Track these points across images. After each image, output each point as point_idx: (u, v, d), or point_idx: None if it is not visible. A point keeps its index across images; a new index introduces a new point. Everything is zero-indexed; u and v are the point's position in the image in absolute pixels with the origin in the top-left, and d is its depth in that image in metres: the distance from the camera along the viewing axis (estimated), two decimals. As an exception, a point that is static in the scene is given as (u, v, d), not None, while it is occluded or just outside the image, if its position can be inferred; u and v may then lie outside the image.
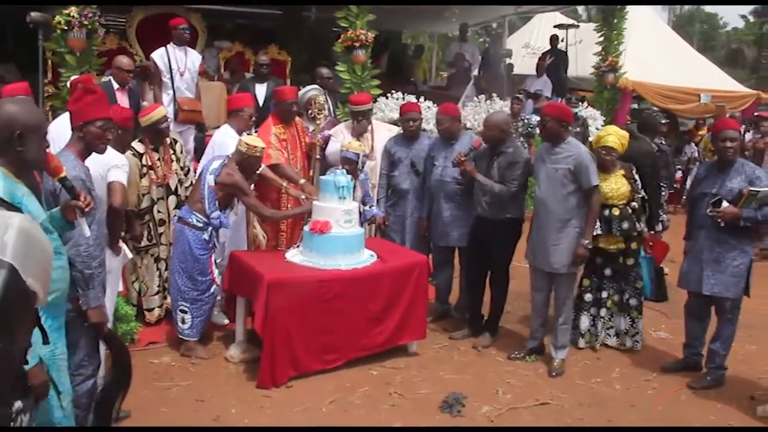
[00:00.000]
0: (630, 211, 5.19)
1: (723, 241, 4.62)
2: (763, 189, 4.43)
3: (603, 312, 5.45)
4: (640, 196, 5.25)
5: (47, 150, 2.78)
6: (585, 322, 5.47)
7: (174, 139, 5.50)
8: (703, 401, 4.64)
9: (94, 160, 3.61)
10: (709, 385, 4.80)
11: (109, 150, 3.78)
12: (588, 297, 5.46)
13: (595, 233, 5.16)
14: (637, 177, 5.26)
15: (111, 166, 4.15)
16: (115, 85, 6.43)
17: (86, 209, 2.93)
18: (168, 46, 7.21)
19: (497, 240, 5.29)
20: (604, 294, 5.45)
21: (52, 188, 3.40)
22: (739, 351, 5.27)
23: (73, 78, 6.27)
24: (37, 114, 2.76)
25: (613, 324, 5.46)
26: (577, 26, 12.30)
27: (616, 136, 5.22)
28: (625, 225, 5.15)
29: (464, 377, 4.86)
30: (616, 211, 5.18)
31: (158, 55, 7.19)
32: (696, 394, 4.74)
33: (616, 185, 5.20)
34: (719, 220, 4.56)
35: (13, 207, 2.28)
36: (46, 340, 2.29)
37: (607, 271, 5.40)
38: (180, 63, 7.25)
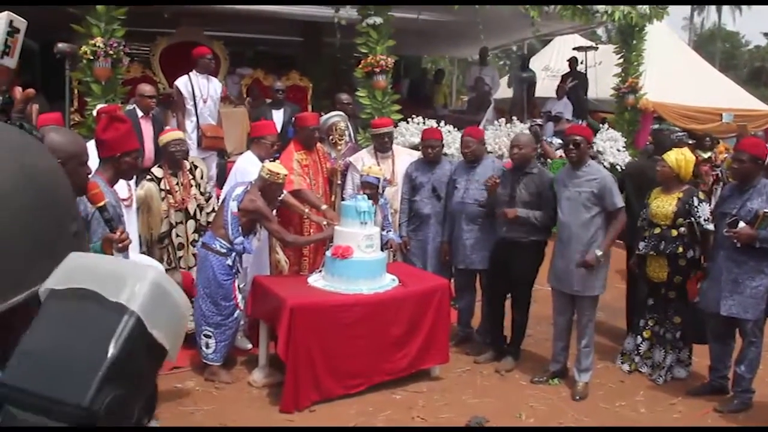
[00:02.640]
0: (673, 233, 5.07)
1: (742, 262, 4.60)
2: None
3: (639, 340, 5.41)
4: (687, 221, 5.04)
5: (89, 177, 2.85)
6: (630, 343, 5.47)
7: (194, 165, 5.58)
8: (730, 425, 4.58)
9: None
10: (737, 408, 4.74)
11: None
12: (635, 321, 5.48)
13: (642, 253, 5.18)
14: (696, 203, 5.05)
15: None
16: (139, 113, 6.55)
17: (121, 245, 2.96)
18: (191, 73, 7.34)
19: (521, 262, 5.28)
20: (642, 323, 5.41)
21: (84, 214, 3.49)
22: (767, 374, 5.21)
23: (99, 107, 6.41)
24: (80, 144, 2.85)
25: (651, 354, 5.39)
26: (596, 48, 12.30)
27: (676, 154, 5.15)
28: (664, 247, 5.06)
29: (487, 401, 4.84)
30: (657, 230, 5.13)
31: (182, 83, 7.31)
32: (723, 417, 4.69)
33: (662, 204, 5.14)
34: (735, 240, 4.53)
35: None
36: None
37: (650, 301, 5.35)
38: (203, 90, 7.38)
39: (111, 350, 1.01)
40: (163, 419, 4.20)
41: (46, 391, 0.93)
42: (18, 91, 1.40)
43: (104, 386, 0.94)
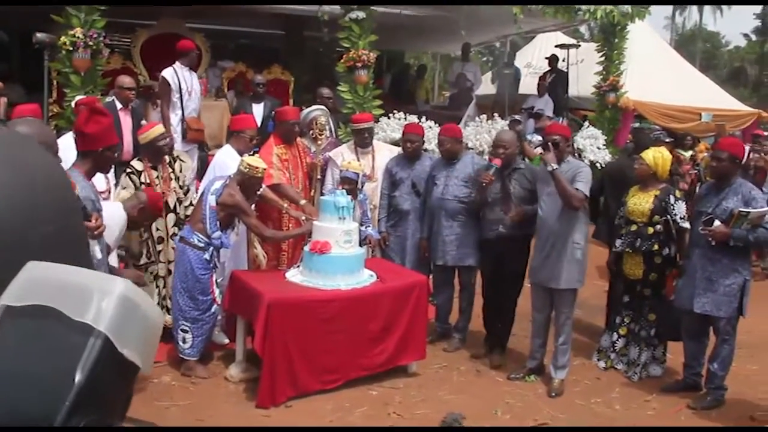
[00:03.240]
0: (649, 231, 5.13)
1: (716, 260, 4.65)
2: (753, 210, 4.46)
3: (615, 337, 5.45)
4: (663, 219, 5.10)
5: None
6: (606, 340, 5.51)
7: (174, 158, 5.54)
8: (703, 422, 4.64)
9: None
10: (709, 405, 4.79)
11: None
12: (612, 318, 5.53)
13: (619, 250, 5.25)
14: (672, 201, 5.10)
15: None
16: (118, 105, 6.49)
17: (96, 232, 2.95)
18: (176, 66, 7.29)
19: (514, 256, 5.30)
20: (618, 320, 5.45)
21: (94, 200, 3.46)
22: (740, 371, 5.27)
23: (78, 98, 6.34)
24: (49, 134, 2.82)
25: (626, 351, 5.43)
26: (578, 46, 12.34)
27: (653, 153, 5.22)
28: (640, 244, 5.12)
29: (463, 397, 4.86)
30: (633, 227, 5.19)
31: (169, 75, 7.26)
32: (696, 414, 4.74)
33: (639, 201, 5.19)
34: (710, 239, 4.58)
35: None
36: None
37: (626, 298, 5.39)
38: (188, 83, 7.35)
39: (78, 377, 0.93)
40: (139, 414, 4.15)
41: (6, 422, 0.88)
42: None
43: (73, 416, 0.88)
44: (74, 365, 0.94)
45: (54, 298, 0.97)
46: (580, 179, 4.85)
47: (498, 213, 5.36)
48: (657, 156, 5.19)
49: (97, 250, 3.04)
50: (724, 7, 42.42)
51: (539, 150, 4.76)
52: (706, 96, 13.22)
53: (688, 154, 11.28)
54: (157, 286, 5.40)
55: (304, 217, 5.41)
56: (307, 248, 5.04)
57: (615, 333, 5.45)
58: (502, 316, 5.60)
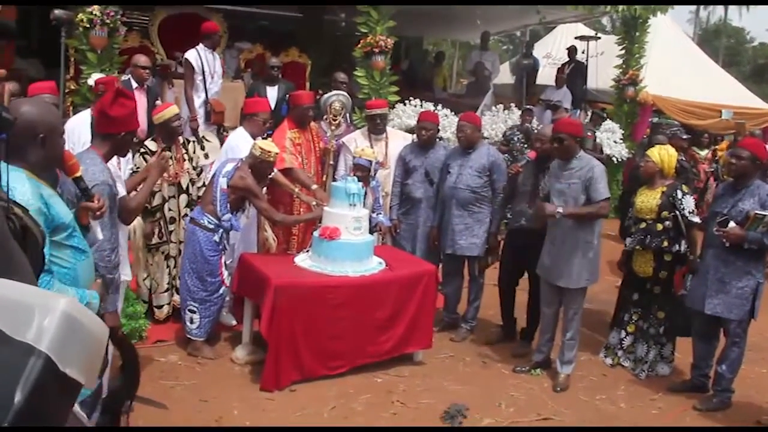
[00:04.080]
0: (658, 227, 5.09)
1: (730, 262, 4.59)
2: None
3: (623, 334, 5.42)
4: (672, 214, 5.07)
5: (64, 148, 2.81)
6: (614, 337, 5.49)
7: (187, 139, 5.54)
8: (708, 423, 4.60)
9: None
10: (715, 407, 4.75)
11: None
12: (621, 316, 5.50)
13: (629, 248, 5.23)
14: (680, 196, 5.07)
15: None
16: (134, 84, 6.49)
17: (98, 213, 2.94)
18: (199, 48, 7.29)
19: (535, 250, 5.21)
20: (626, 317, 5.42)
21: (76, 191, 3.45)
22: (749, 374, 5.23)
23: (96, 77, 6.35)
24: (55, 115, 2.80)
25: (633, 349, 5.39)
26: (599, 38, 12.23)
27: (659, 150, 5.22)
28: (649, 241, 5.08)
29: (468, 388, 4.85)
30: (643, 225, 5.16)
31: (193, 57, 7.25)
32: (701, 415, 4.70)
33: (647, 199, 5.17)
34: (724, 240, 4.53)
35: (29, 216, 2.26)
36: None
37: (635, 296, 5.36)
38: (211, 65, 7.35)
39: (17, 399, 0.90)
40: (144, 392, 4.19)
41: None
42: None
43: None
44: (13, 386, 0.91)
45: None
46: (597, 183, 4.78)
47: (524, 206, 5.36)
48: (663, 153, 5.19)
49: (98, 231, 3.02)
50: (750, 2, 41.83)
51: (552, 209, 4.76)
52: (727, 93, 13.07)
53: (704, 152, 11.17)
54: (168, 266, 5.42)
55: (314, 203, 5.40)
56: (316, 234, 5.04)
57: (623, 330, 5.42)
58: (528, 308, 5.60)
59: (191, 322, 5.00)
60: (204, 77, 7.29)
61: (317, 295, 4.68)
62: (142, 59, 6.61)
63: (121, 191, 4.02)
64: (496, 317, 5.99)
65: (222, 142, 7.44)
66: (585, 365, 5.38)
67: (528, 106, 9.70)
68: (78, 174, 2.85)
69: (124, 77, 6.83)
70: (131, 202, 4.02)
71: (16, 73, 8.18)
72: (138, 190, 4.13)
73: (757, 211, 4.42)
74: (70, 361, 0.96)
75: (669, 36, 13.20)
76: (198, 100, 7.30)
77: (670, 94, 11.90)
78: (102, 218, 3.01)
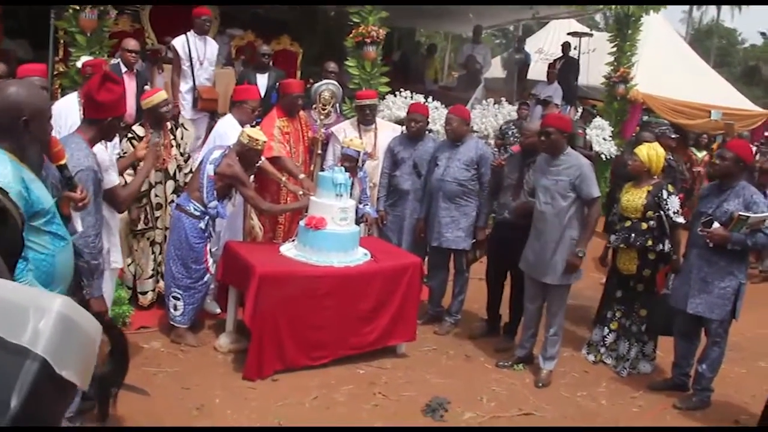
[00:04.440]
0: (643, 226, 5.11)
1: (713, 262, 4.61)
2: (754, 215, 4.41)
3: (606, 331, 5.44)
4: (656, 214, 5.10)
5: (51, 134, 2.76)
6: (597, 334, 5.51)
7: (175, 124, 5.50)
8: (687, 422, 4.63)
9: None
10: (695, 406, 4.78)
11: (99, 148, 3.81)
12: (604, 313, 5.52)
13: (613, 245, 5.26)
14: (666, 196, 5.10)
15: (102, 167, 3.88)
16: (123, 68, 6.44)
17: (80, 204, 2.89)
18: (188, 34, 7.24)
19: (518, 244, 5.21)
20: (609, 314, 5.44)
21: (61, 177, 3.40)
22: (729, 374, 5.26)
23: (84, 59, 6.28)
24: (43, 98, 2.75)
25: (616, 346, 5.41)
26: (591, 35, 12.25)
27: (648, 149, 5.22)
28: (634, 239, 5.11)
29: (450, 382, 4.86)
30: (627, 223, 5.18)
31: (179, 44, 7.21)
32: (681, 414, 4.73)
33: (633, 197, 5.19)
34: (708, 240, 4.55)
35: (8, 198, 2.22)
36: None
37: (618, 293, 5.38)
38: (200, 52, 7.29)
39: (13, 403, 0.88)
40: (127, 378, 4.16)
41: None
42: None
43: None
44: (9, 391, 0.89)
45: None
46: (587, 182, 4.79)
47: (508, 198, 5.38)
48: (651, 153, 5.20)
49: (78, 223, 2.97)
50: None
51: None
52: (717, 93, 13.12)
53: (702, 154, 11.17)
54: (153, 252, 5.39)
55: (301, 192, 5.39)
56: (302, 223, 5.02)
57: (606, 327, 5.44)
58: (511, 302, 5.62)
59: (175, 309, 4.98)
60: (192, 64, 7.24)
61: (301, 284, 4.67)
62: (131, 43, 6.56)
63: (115, 178, 4.00)
64: (480, 311, 6.01)
65: (210, 130, 7.42)
66: (567, 361, 5.40)
67: (525, 101, 9.69)
68: (62, 162, 2.81)
69: (114, 61, 6.77)
70: (124, 191, 4.00)
71: (4, 54, 8.10)
72: (131, 179, 4.12)
73: (741, 213, 4.44)
74: (66, 363, 0.93)
75: (661, 35, 13.22)
76: (185, 87, 7.25)
77: (661, 92, 11.93)
78: (84, 209, 2.97)
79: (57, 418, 0.99)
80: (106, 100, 3.41)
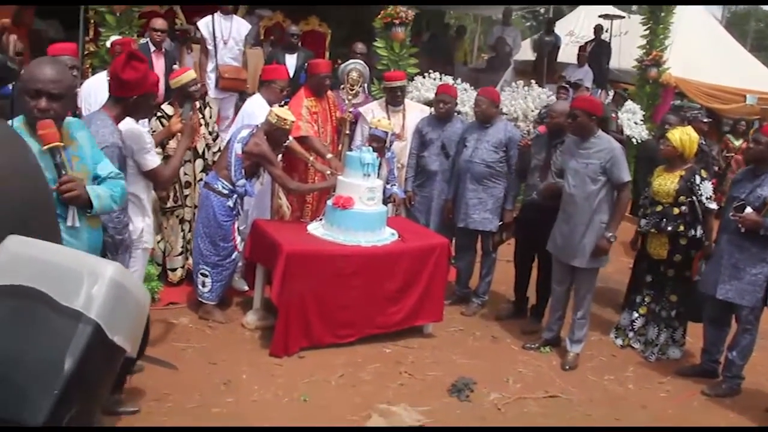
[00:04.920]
0: (675, 211, 5.02)
1: (744, 248, 4.52)
2: None
3: (634, 316, 5.39)
4: (689, 199, 4.99)
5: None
6: (625, 318, 5.46)
7: (204, 104, 5.52)
8: (715, 409, 4.57)
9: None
10: (724, 393, 4.71)
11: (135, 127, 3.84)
12: (633, 297, 5.47)
13: (644, 230, 5.17)
14: (698, 181, 4.98)
15: (144, 149, 3.93)
16: (152, 48, 6.48)
17: (64, 196, 2.68)
18: (215, 14, 7.27)
19: (545, 226, 5.15)
20: (638, 299, 5.38)
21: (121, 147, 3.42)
22: (760, 362, 5.16)
23: (113, 39, 6.33)
24: (68, 78, 2.76)
25: (644, 331, 5.35)
26: (623, 17, 12.04)
27: (680, 133, 5.10)
28: (665, 225, 5.02)
29: (476, 362, 4.85)
30: (659, 208, 5.09)
31: (203, 24, 7.27)
32: (709, 401, 4.66)
33: (664, 182, 5.09)
34: (740, 225, 4.46)
35: None
36: None
37: (648, 278, 5.31)
38: (224, 32, 7.33)
39: (67, 365, 0.87)
40: (156, 353, 4.23)
41: None
42: None
43: (61, 406, 0.82)
44: (63, 352, 0.88)
45: (41, 279, 0.90)
46: (617, 167, 4.71)
47: (536, 179, 5.33)
48: (684, 137, 5.06)
49: (73, 218, 2.80)
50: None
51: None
52: (753, 78, 12.79)
53: (740, 141, 10.89)
54: (183, 230, 5.44)
55: (329, 172, 5.39)
56: (330, 202, 5.03)
57: (635, 312, 5.38)
58: (538, 284, 5.59)
59: (203, 285, 5.02)
60: (215, 43, 7.27)
61: (328, 263, 4.68)
62: (158, 22, 6.61)
63: (157, 159, 4.02)
64: (508, 293, 5.99)
65: (237, 110, 7.43)
66: (595, 345, 5.36)
67: (563, 84, 9.56)
68: (52, 145, 2.66)
69: (143, 41, 6.81)
70: (166, 169, 4.03)
71: (36, 34, 8.19)
72: (171, 158, 4.17)
73: None
74: (117, 328, 0.93)
75: (696, 17, 12.95)
76: (210, 66, 7.31)
77: (694, 76, 11.70)
78: (75, 204, 2.75)
79: (106, 383, 0.99)
80: (131, 78, 3.44)
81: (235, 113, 7.38)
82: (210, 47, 7.31)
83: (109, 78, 3.66)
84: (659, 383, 4.87)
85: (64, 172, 2.65)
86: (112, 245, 3.29)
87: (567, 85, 9.54)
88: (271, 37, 9.89)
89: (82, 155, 2.93)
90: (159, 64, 6.51)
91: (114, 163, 3.27)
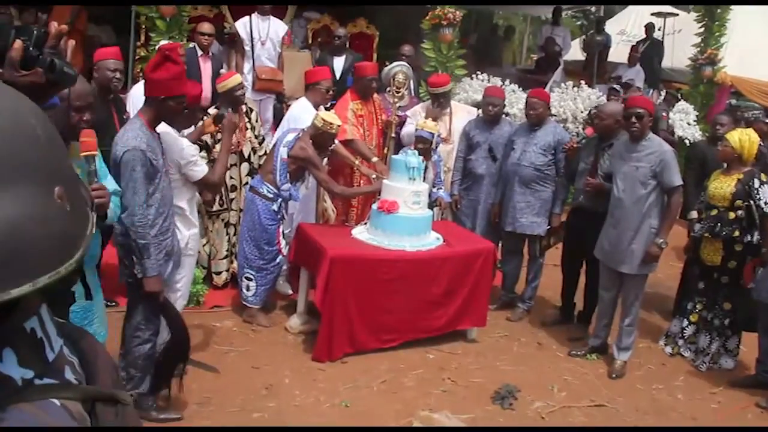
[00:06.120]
0: (731, 216, 4.85)
1: (802, 256, 4.36)
2: None
3: (685, 323, 5.25)
4: (746, 204, 4.81)
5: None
6: (675, 326, 5.33)
7: (250, 108, 5.57)
8: (769, 422, 4.43)
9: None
10: (780, 405, 4.56)
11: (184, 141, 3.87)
12: (684, 304, 5.33)
13: (697, 235, 5.02)
14: (757, 185, 4.79)
15: (189, 162, 3.95)
16: (199, 52, 6.56)
17: (95, 199, 2.74)
18: (252, 15, 7.31)
19: (596, 231, 5.05)
20: (689, 306, 5.24)
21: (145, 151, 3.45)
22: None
23: (162, 43, 6.42)
24: (84, 89, 2.79)
25: (695, 339, 5.21)
26: (676, 14, 11.75)
27: (740, 134, 4.92)
28: (719, 229, 4.86)
29: (521, 369, 4.78)
30: (714, 212, 4.94)
31: (241, 24, 7.31)
32: (765, 413, 4.51)
33: (721, 185, 4.92)
34: None
35: None
36: (89, 296, 2.38)
37: (701, 285, 5.16)
38: (262, 32, 7.34)
39: None
40: (199, 356, 4.29)
41: None
42: (53, 26, 1.36)
43: None
44: None
45: None
46: (668, 171, 4.59)
47: (583, 183, 5.23)
48: (744, 138, 4.87)
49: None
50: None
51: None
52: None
53: None
54: (228, 233, 5.50)
55: (374, 175, 5.38)
56: (374, 206, 5.01)
57: (685, 319, 5.23)
58: (586, 290, 5.50)
59: (247, 289, 5.06)
60: (252, 44, 7.29)
61: (373, 268, 4.67)
62: (204, 26, 6.69)
63: (204, 168, 4.03)
64: (554, 298, 5.90)
65: (277, 112, 7.45)
66: (643, 353, 5.24)
67: (614, 86, 9.38)
68: (89, 153, 2.67)
69: (191, 45, 6.90)
70: (212, 176, 4.06)
71: (89, 39, 8.38)
72: (216, 162, 4.21)
73: None
74: None
75: (753, 13, 12.52)
76: (247, 66, 7.32)
77: (752, 75, 11.34)
78: (101, 212, 2.78)
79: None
80: (160, 77, 3.41)
81: (274, 114, 7.45)
82: (247, 48, 7.33)
83: (144, 81, 3.69)
84: (711, 394, 4.73)
85: (96, 180, 2.70)
86: (137, 249, 3.36)
87: (618, 86, 9.35)
88: (318, 39, 9.94)
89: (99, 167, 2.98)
90: (206, 69, 6.59)
91: (136, 166, 3.31)
